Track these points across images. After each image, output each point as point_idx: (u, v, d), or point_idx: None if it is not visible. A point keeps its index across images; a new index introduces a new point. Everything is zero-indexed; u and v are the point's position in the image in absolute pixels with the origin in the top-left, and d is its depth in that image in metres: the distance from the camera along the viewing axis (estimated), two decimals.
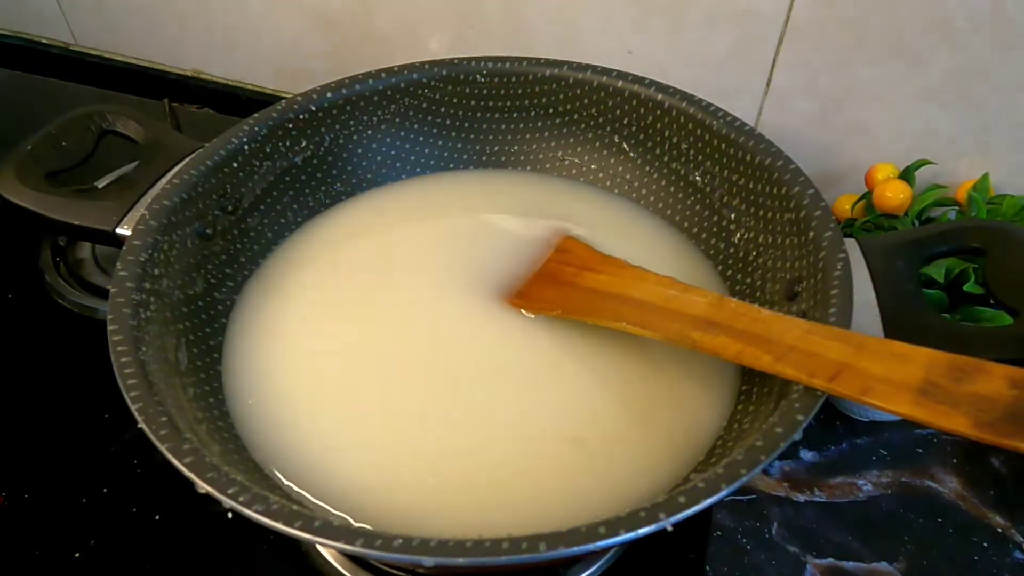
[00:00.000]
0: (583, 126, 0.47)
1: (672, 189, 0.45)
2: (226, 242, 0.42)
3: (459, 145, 0.49)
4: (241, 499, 0.26)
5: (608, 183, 0.47)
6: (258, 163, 0.43)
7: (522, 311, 0.39)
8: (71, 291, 0.52)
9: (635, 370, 0.37)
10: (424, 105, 0.47)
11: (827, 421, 0.46)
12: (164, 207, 0.37)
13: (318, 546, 0.40)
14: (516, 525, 0.31)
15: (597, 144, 0.47)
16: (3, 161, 0.42)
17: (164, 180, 0.40)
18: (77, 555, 0.40)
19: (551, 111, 0.47)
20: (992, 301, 0.34)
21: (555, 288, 0.40)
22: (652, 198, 0.46)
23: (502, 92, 0.47)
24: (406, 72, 0.46)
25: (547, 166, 0.49)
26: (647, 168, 0.46)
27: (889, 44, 0.48)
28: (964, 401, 0.25)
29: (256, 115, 0.43)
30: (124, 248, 0.35)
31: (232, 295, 0.42)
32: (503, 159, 0.49)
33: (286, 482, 0.33)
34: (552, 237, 0.43)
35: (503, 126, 0.48)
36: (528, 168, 0.49)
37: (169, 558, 0.40)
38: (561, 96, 0.46)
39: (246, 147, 0.42)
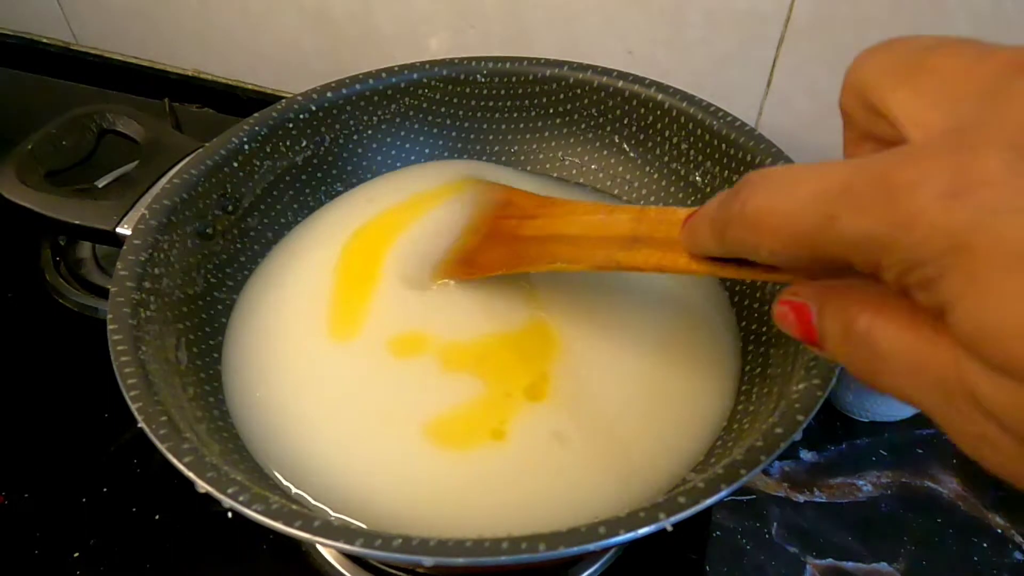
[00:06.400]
0: (583, 126, 0.47)
1: (672, 189, 0.45)
2: (226, 241, 0.42)
3: (459, 145, 0.49)
4: (241, 499, 0.26)
5: (608, 183, 0.47)
6: (258, 163, 0.43)
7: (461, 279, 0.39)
8: (71, 290, 0.52)
9: (634, 369, 0.37)
10: (424, 105, 0.47)
11: (827, 421, 0.46)
12: (164, 206, 0.37)
13: (318, 546, 0.40)
14: (516, 525, 0.31)
15: (597, 144, 0.47)
16: (3, 161, 0.42)
17: (164, 179, 0.40)
18: (77, 555, 0.40)
19: (551, 111, 0.47)
20: None
21: (499, 246, 0.38)
22: (652, 198, 0.46)
23: (502, 92, 0.47)
24: (406, 72, 0.46)
25: (547, 166, 0.49)
26: (647, 168, 0.46)
27: None
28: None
29: (256, 115, 0.43)
30: (124, 247, 0.35)
31: (232, 295, 0.42)
32: (503, 159, 0.49)
33: (285, 482, 0.33)
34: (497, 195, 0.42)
35: (503, 126, 0.48)
36: (528, 168, 0.49)
37: (169, 558, 0.40)
38: (561, 96, 0.46)
39: (246, 147, 0.42)
